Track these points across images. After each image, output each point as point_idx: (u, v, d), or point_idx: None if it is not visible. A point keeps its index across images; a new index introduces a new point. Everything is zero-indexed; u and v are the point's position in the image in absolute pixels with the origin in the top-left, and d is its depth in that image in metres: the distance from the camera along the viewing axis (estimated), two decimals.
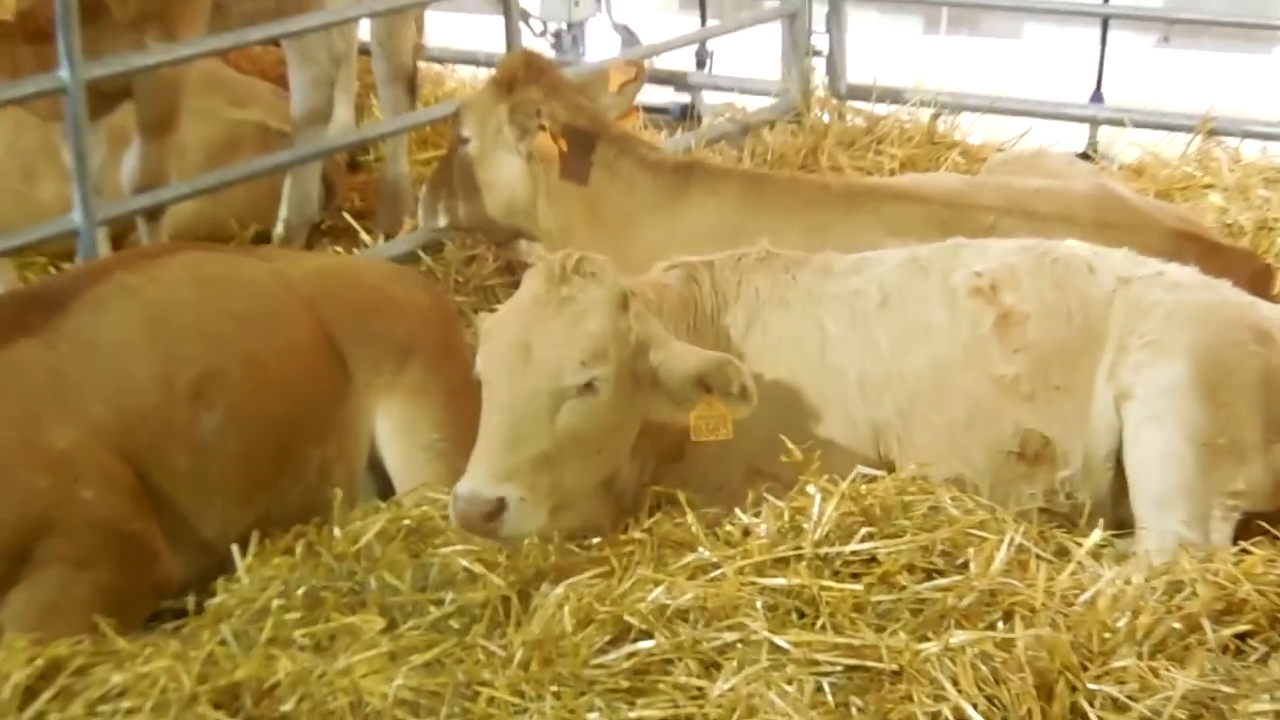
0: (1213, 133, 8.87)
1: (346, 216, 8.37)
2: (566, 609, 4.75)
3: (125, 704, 4.52)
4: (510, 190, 6.78)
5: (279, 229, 8.36)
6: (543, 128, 6.59)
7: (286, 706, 4.54)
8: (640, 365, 5.10)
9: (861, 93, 9.68)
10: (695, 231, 6.34)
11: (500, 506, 4.88)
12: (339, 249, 7.93)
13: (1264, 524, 5.24)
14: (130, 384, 5.36)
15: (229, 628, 4.94)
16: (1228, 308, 5.49)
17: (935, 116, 9.30)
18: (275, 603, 5.02)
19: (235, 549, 5.29)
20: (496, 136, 6.75)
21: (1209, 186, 8.41)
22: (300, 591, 5.06)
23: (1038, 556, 4.90)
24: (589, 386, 5.01)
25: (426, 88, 9.57)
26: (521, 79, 6.76)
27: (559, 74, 7.01)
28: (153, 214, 7.15)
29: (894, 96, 9.50)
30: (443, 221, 7.01)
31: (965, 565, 4.84)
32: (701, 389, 5.11)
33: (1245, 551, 5.05)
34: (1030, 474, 5.36)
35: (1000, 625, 4.60)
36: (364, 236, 8.10)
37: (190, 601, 5.20)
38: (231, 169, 7.76)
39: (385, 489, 5.75)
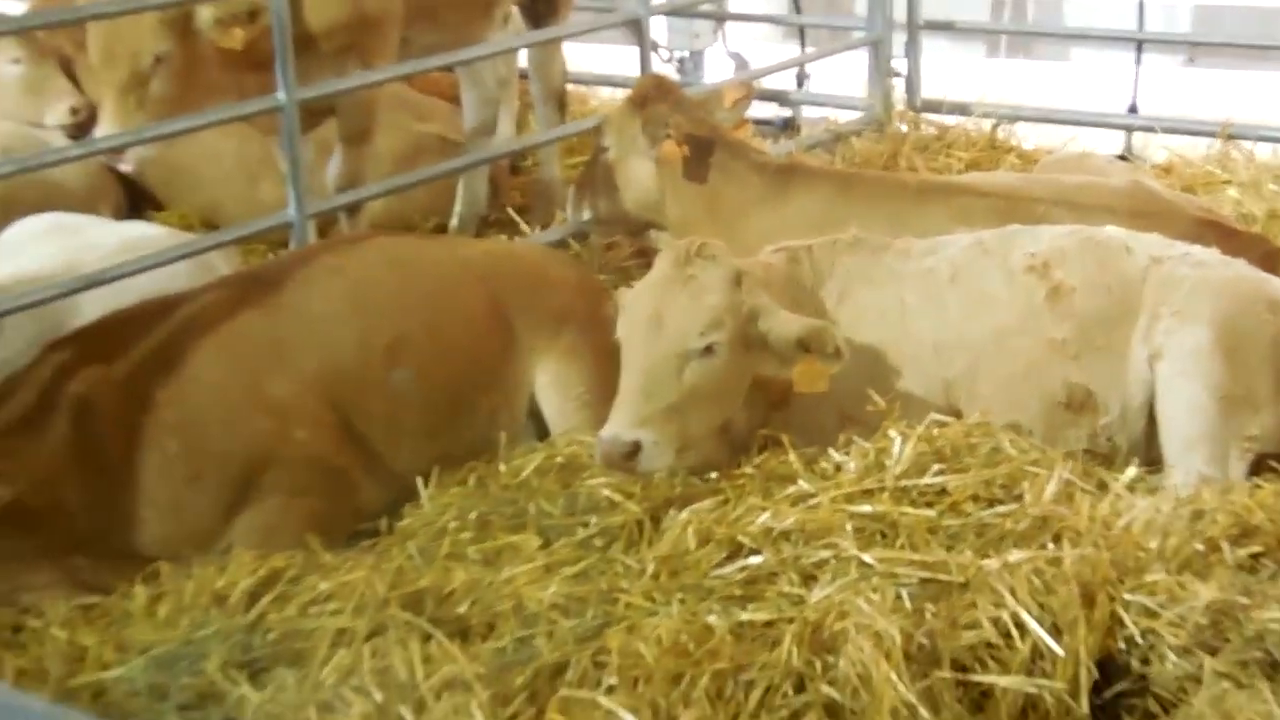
0: (1231, 137, 8.74)
1: (509, 211, 8.39)
2: (690, 530, 4.75)
3: (330, 606, 4.57)
4: (643, 189, 6.77)
5: (454, 222, 8.40)
6: (668, 136, 6.58)
7: (461, 609, 4.57)
8: (751, 331, 5.09)
9: (933, 106, 9.60)
10: (796, 221, 6.31)
11: (636, 447, 4.89)
12: (503, 237, 7.94)
13: (1274, 464, 5.18)
14: (335, 346, 5.42)
15: (414, 545, 4.99)
16: (1244, 282, 5.42)
17: (995, 126, 9.20)
18: (452, 525, 5.06)
19: (419, 481, 5.33)
20: (632, 145, 6.75)
21: (1227, 183, 8.29)
22: (472, 516, 5.10)
23: (1082, 489, 4.84)
24: (709, 349, 5.02)
25: (573, 106, 9.55)
26: (652, 97, 6.76)
27: (682, 93, 7.00)
28: (352, 209, 7.21)
29: (961, 109, 9.42)
30: (587, 215, 7.01)
31: (1021, 496, 4.80)
32: (802, 350, 5.09)
33: (1258, 485, 4.98)
34: (1076, 421, 5.32)
35: (1050, 546, 4.55)
36: (523, 227, 8.12)
37: (383, 524, 5.24)
38: (415, 173, 7.79)
39: (542, 433, 5.76)
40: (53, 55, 8.56)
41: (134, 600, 4.76)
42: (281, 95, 6.27)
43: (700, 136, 6.64)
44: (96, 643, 4.55)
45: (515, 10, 8.48)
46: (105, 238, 6.18)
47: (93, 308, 5.56)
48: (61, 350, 5.18)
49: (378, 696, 3.97)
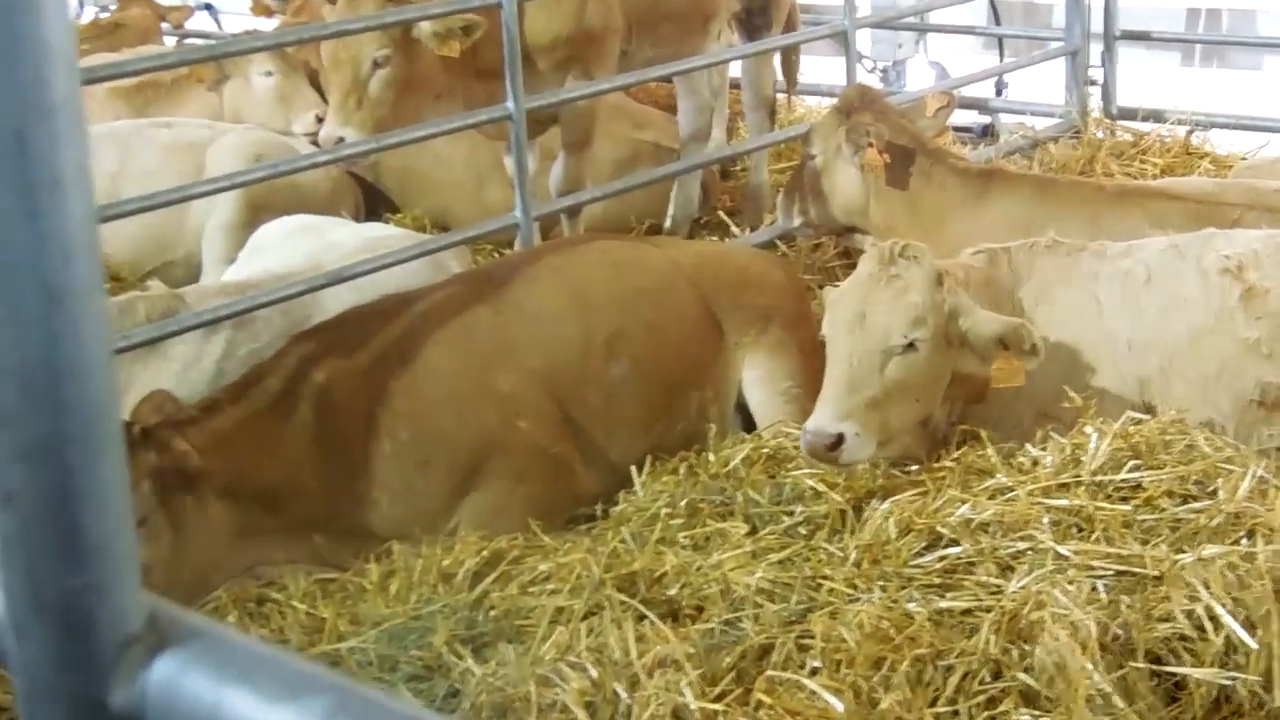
0: None
1: (720, 214, 8.34)
2: (891, 520, 4.66)
3: (549, 586, 4.58)
4: (848, 194, 6.67)
5: (668, 224, 8.36)
6: (871, 145, 6.47)
7: (672, 591, 4.54)
8: (952, 329, 4.98)
9: (1129, 114, 9.35)
10: (996, 224, 6.16)
11: (840, 439, 4.81)
12: (714, 239, 7.89)
13: None
14: (557, 341, 5.42)
15: (628, 530, 4.96)
16: None
17: (1190, 133, 8.93)
18: (663, 511, 5.03)
19: (634, 469, 5.31)
20: (837, 152, 6.64)
21: None
22: (683, 503, 5.06)
23: (1276, 486, 4.64)
24: (911, 346, 4.92)
25: (782, 114, 9.47)
26: (857, 106, 6.65)
27: (886, 102, 6.88)
28: (573, 212, 7.22)
29: (1156, 116, 9.15)
30: (796, 221, 6.92)
31: (1215, 492, 4.61)
32: (1000, 347, 4.97)
33: None
34: (1269, 419, 5.11)
35: (1244, 542, 4.37)
36: (733, 229, 8.06)
37: (599, 509, 5.24)
38: (632, 177, 7.78)
39: (749, 425, 5.71)
40: (301, 67, 8.73)
41: (368, 577, 4.81)
42: (510, 105, 6.28)
43: (901, 145, 6.52)
44: (333, 615, 4.61)
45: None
46: (347, 238, 6.26)
47: (335, 303, 5.63)
48: (306, 342, 5.26)
49: (593, 673, 3.94)
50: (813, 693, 3.84)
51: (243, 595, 4.83)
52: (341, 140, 6.41)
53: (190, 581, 4.82)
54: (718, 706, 3.81)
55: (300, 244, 6.21)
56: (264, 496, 4.94)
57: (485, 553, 4.79)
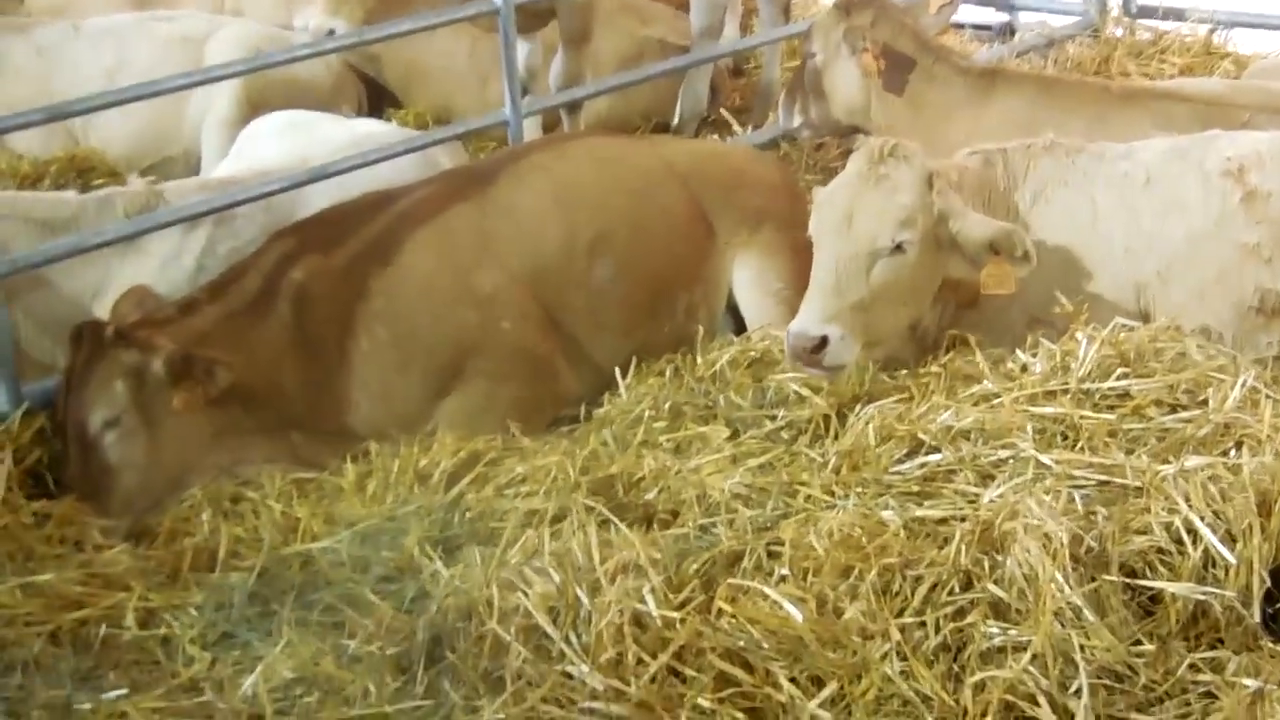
0: None
1: (723, 113, 8.18)
2: (872, 426, 4.57)
3: (525, 489, 4.54)
4: (848, 94, 6.49)
5: (675, 122, 8.21)
6: (867, 50, 6.30)
7: (649, 495, 4.50)
8: (942, 232, 4.87)
9: (1149, 12, 9.09)
10: (998, 125, 6.00)
11: (823, 342, 4.72)
12: (716, 137, 7.75)
13: None
14: (541, 240, 5.34)
15: (610, 432, 4.92)
16: None
17: (1211, 31, 8.70)
18: (646, 413, 4.99)
19: (618, 371, 5.23)
20: (837, 51, 6.47)
21: None
22: (666, 405, 5.02)
23: (1267, 396, 4.51)
24: (899, 248, 4.81)
25: (798, 8, 9.26)
26: (857, 4, 6.46)
27: (887, 0, 6.68)
28: (572, 109, 7.10)
29: (1177, 15, 8.91)
30: (797, 121, 6.76)
31: (1205, 402, 4.49)
32: (991, 252, 4.85)
33: None
34: (1267, 325, 4.98)
35: (1232, 454, 4.26)
36: (735, 127, 7.91)
37: (582, 411, 5.17)
38: (633, 72, 7.65)
39: (740, 328, 5.61)
40: None
41: (344, 477, 4.77)
42: None
43: (899, 50, 6.34)
44: (308, 515, 4.57)
45: None
46: (336, 134, 6.15)
47: (321, 200, 5.53)
48: (285, 239, 5.18)
49: (556, 578, 3.88)
50: (774, 602, 3.77)
51: (218, 494, 4.79)
52: (332, 32, 6.29)
53: (164, 482, 4.80)
54: (677, 614, 3.75)
55: (288, 140, 6.11)
56: (242, 396, 4.88)
57: (462, 454, 4.74)
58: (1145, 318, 4.99)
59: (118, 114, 6.79)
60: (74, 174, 7.10)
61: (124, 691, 3.90)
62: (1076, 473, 4.21)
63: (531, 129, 7.10)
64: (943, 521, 4.11)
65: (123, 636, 4.16)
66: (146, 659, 4.09)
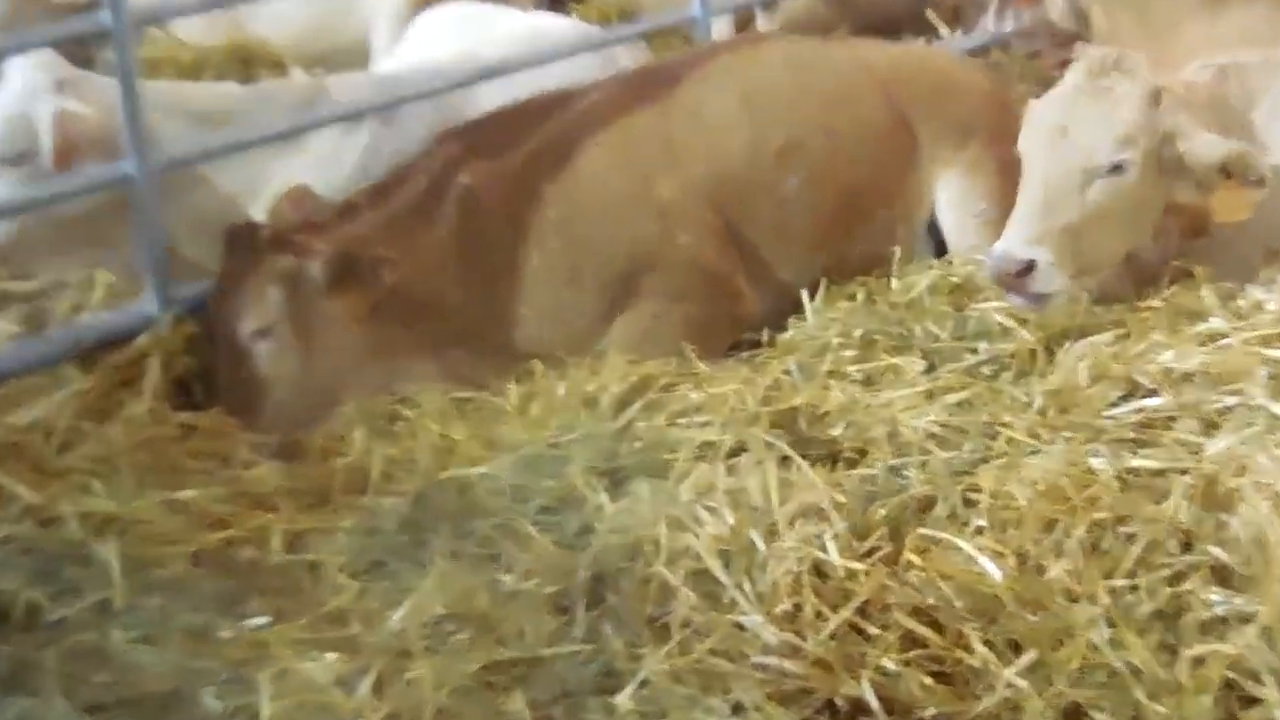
0: None
1: (929, 15, 7.88)
2: (1085, 364, 4.36)
3: (699, 418, 4.41)
4: None
5: None
6: None
7: (835, 431, 4.33)
8: (1167, 153, 4.60)
9: None
10: (1231, 36, 5.68)
11: (1029, 266, 4.50)
12: (921, 42, 7.47)
13: None
14: (726, 148, 5.20)
15: (794, 360, 4.76)
16: None
17: None
18: (835, 341, 4.83)
19: (805, 293, 5.08)
20: None
21: None
22: (857, 333, 4.86)
23: None
24: (1118, 168, 4.57)
25: None
26: None
27: None
28: (767, 4, 6.92)
29: None
30: (1010, 26, 6.50)
31: None
32: (1223, 176, 4.58)
33: None
34: None
35: None
36: (941, 30, 7.62)
37: (764, 335, 5.03)
38: None
39: (940, 250, 5.41)
40: None
41: (507, 398, 4.70)
42: None
43: None
44: (466, 438, 4.49)
45: None
46: (511, 29, 6.07)
47: (493, 99, 5.43)
48: (453, 141, 5.09)
49: (730, 519, 3.75)
50: (969, 557, 3.59)
51: (372, 412, 4.73)
52: None
53: (317, 397, 4.75)
54: (861, 565, 3.59)
55: (462, 34, 6.02)
56: (402, 306, 4.82)
57: (633, 378, 4.63)
58: None
59: (285, 2, 6.75)
60: (236, 65, 7.08)
61: (267, 620, 3.86)
62: None
63: (721, 28, 6.90)
64: (1160, 474, 3.89)
65: (268, 560, 4.12)
66: (291, 586, 4.04)
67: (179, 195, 5.18)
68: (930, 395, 4.44)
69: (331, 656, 3.67)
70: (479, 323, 4.92)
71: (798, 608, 3.52)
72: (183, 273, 5.09)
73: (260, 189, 5.28)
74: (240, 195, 5.34)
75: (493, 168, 4.99)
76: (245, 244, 4.76)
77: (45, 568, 4.02)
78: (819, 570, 3.61)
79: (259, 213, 5.12)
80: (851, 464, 4.17)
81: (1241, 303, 4.54)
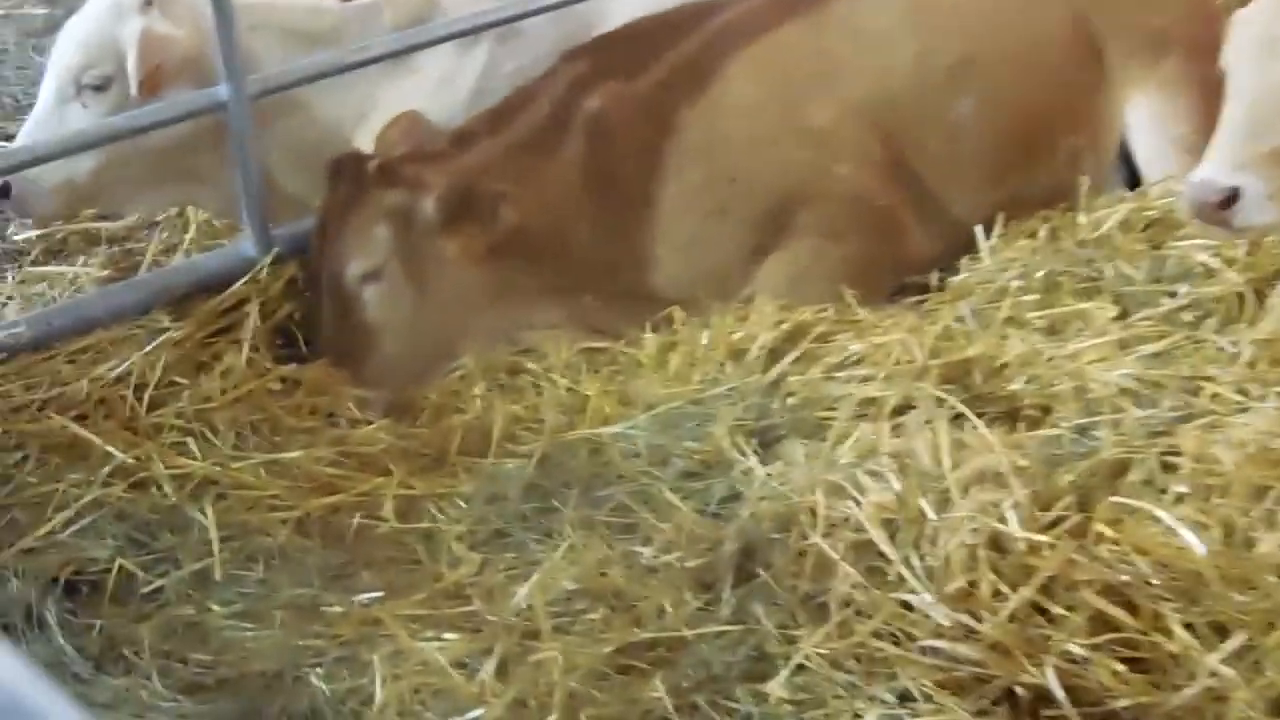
0: None
1: None
2: None
3: (860, 371, 4.43)
4: None
5: None
6: None
7: (1014, 386, 4.33)
8: None
9: None
10: None
11: (1234, 195, 4.41)
12: None
13: None
14: (890, 67, 5.19)
15: (967, 305, 4.75)
16: None
17: None
18: (1014, 284, 4.81)
19: (979, 230, 5.06)
20: None
21: None
22: (1039, 275, 4.83)
23: None
24: None
25: None
26: None
27: None
28: None
29: None
30: None
31: None
32: None
33: None
34: None
35: None
36: None
37: (933, 278, 5.03)
38: None
39: (1132, 180, 5.36)
40: None
41: (643, 349, 4.74)
42: None
43: None
44: (598, 393, 4.54)
45: None
46: None
47: (625, 12, 5.45)
48: (580, 60, 5.13)
49: (896, 484, 3.75)
50: (1168, 529, 3.57)
51: (493, 364, 4.81)
52: None
53: (432, 348, 4.83)
54: (1045, 538, 3.57)
55: None
56: (525, 246, 4.88)
57: (786, 326, 4.64)
58: None
59: None
60: None
61: (379, 594, 3.94)
62: None
63: None
64: None
65: (379, 529, 4.21)
66: (405, 556, 4.13)
67: (277, 123, 5.26)
68: (1123, 345, 4.42)
69: (450, 636, 3.75)
70: (610, 264, 4.96)
71: (973, 585, 3.51)
72: (282, 210, 5.17)
73: (366, 115, 5.34)
74: (344, 123, 5.40)
75: (624, 90, 5.02)
76: (350, 177, 4.83)
77: (137, 535, 4.16)
78: (997, 543, 3.59)
79: (365, 142, 5.17)
80: (1034, 423, 4.17)
81: None
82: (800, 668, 3.49)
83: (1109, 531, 3.61)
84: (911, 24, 5.23)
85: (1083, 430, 4.08)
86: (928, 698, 3.36)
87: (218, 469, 4.32)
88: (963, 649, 3.43)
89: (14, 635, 3.89)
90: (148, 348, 4.67)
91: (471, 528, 4.14)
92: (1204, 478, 3.77)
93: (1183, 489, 3.76)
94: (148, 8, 5.13)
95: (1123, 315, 4.59)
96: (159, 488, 4.26)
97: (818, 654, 3.49)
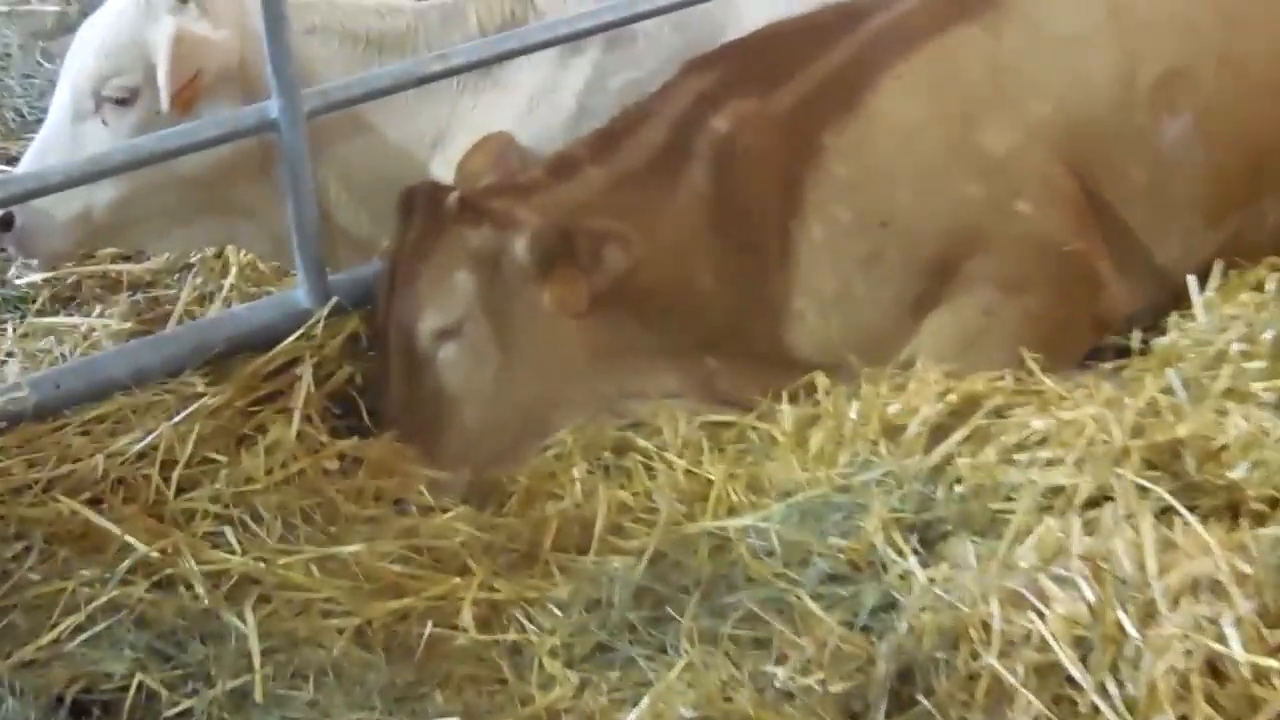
0: None
1: None
2: None
3: (1044, 454, 4.42)
4: None
5: None
6: None
7: (1235, 473, 4.30)
8: None
9: None
10: None
11: None
12: None
13: None
14: (1083, 80, 5.20)
15: (1176, 374, 4.72)
16: None
17: None
18: (1235, 348, 4.77)
19: (1192, 280, 5.06)
20: None
21: None
22: (1266, 336, 4.78)
23: None
24: None
25: None
26: None
27: None
28: None
29: None
30: None
31: None
32: None
33: None
34: None
35: None
36: None
37: (1135, 339, 5.04)
38: None
39: None
40: None
41: (778, 424, 4.77)
42: None
43: None
44: (723, 478, 4.58)
45: None
46: None
47: (759, 16, 5.49)
48: (705, 72, 5.17)
49: (1090, 594, 3.75)
50: None
51: (597, 441, 4.85)
52: None
53: (522, 419, 4.88)
54: (1275, 662, 3.56)
55: None
56: (636, 297, 4.92)
57: (953, 397, 4.67)
58: None
59: None
60: None
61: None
62: None
63: None
64: None
65: (455, 640, 4.23)
66: (488, 675, 4.15)
67: (337, 147, 5.32)
68: None
69: None
70: (738, 320, 5.00)
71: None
72: (342, 252, 5.22)
73: (445, 138, 5.39)
74: (418, 147, 5.46)
75: (758, 110, 5.06)
76: (426, 212, 4.88)
77: (161, 645, 4.18)
78: (1214, 668, 3.60)
79: (443, 171, 5.22)
80: (1259, 519, 4.15)
81: None
82: None
83: None
84: (1111, 26, 5.24)
85: None
86: None
87: (261, 565, 4.35)
88: None
89: None
90: (177, 417, 4.71)
91: (568, 640, 4.16)
92: None
93: None
94: (182, 6, 5.18)
95: None
96: (189, 587, 4.27)
97: None
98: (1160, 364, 4.84)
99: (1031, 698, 3.62)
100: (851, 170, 5.02)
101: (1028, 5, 5.25)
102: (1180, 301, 5.06)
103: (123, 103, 5.17)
